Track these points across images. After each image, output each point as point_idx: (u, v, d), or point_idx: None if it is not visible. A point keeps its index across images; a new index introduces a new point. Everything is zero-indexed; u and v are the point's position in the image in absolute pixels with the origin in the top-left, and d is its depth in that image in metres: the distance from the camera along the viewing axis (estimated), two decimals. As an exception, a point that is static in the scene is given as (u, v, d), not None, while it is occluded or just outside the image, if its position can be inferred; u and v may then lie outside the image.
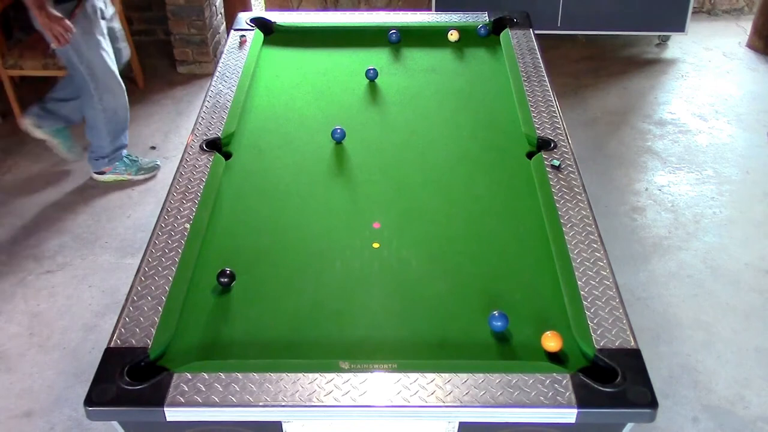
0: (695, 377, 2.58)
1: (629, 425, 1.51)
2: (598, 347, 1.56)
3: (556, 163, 2.15)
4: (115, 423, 1.51)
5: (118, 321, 1.65)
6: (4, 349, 2.73)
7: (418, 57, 2.88)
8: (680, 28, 4.63)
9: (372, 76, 2.68)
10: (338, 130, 2.33)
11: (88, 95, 3.31)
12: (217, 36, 4.67)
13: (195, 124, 2.38)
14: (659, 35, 4.86)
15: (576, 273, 1.76)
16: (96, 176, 3.60)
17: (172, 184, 2.10)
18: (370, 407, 1.45)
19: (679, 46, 4.87)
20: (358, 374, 1.50)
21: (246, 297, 1.77)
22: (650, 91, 4.39)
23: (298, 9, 5.06)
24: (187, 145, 2.28)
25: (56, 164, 3.76)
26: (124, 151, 3.59)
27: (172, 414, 1.45)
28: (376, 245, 1.93)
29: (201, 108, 2.46)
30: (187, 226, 1.94)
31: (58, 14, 2.95)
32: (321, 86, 2.69)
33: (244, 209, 2.08)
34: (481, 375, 1.49)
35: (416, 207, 2.09)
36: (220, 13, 4.70)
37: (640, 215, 3.37)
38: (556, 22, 4.63)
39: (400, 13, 3.14)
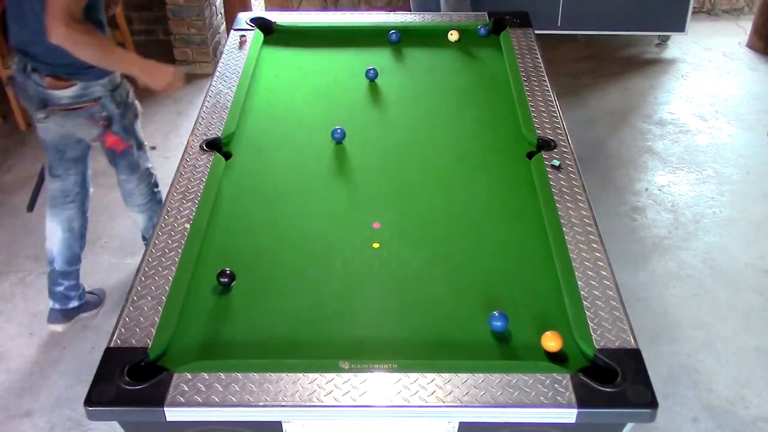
0: (695, 377, 2.58)
1: (629, 425, 1.51)
2: (598, 347, 1.56)
3: (556, 163, 2.15)
4: (115, 423, 1.51)
5: (118, 321, 1.65)
6: (4, 349, 2.73)
7: (418, 57, 2.87)
8: (680, 28, 4.63)
9: (372, 76, 2.68)
10: (338, 131, 2.33)
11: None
12: (217, 36, 4.67)
13: (195, 124, 2.38)
14: (659, 35, 4.86)
15: (576, 273, 1.76)
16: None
17: (172, 184, 2.10)
18: (370, 407, 1.45)
19: (679, 46, 4.87)
20: (358, 374, 1.50)
21: (246, 297, 1.77)
22: (650, 91, 4.39)
23: (298, 9, 5.06)
24: (187, 145, 2.28)
25: (56, 164, 3.76)
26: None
27: (172, 414, 1.45)
28: (376, 245, 1.92)
29: (201, 108, 2.46)
30: (187, 226, 1.93)
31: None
32: (321, 86, 2.68)
33: (244, 209, 2.08)
34: (481, 375, 1.49)
35: (416, 207, 2.08)
36: (220, 13, 4.70)
37: (640, 215, 3.37)
38: (556, 22, 4.63)
39: (400, 13, 3.14)
